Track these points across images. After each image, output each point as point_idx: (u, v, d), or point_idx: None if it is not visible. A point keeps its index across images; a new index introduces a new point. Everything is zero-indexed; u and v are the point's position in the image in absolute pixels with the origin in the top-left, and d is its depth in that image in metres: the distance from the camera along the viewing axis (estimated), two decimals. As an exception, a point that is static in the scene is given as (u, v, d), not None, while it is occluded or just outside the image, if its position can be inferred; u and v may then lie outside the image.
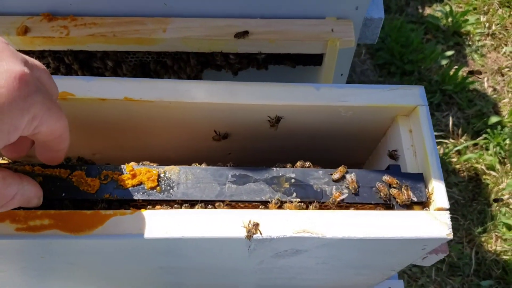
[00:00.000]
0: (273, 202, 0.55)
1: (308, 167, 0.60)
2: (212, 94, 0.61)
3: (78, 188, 0.54)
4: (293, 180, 0.58)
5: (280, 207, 0.56)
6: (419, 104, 0.64)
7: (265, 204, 0.57)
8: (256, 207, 0.57)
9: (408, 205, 0.58)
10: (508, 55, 2.22)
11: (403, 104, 0.63)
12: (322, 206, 0.58)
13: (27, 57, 0.44)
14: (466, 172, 1.93)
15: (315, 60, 0.83)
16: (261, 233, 0.53)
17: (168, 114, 0.64)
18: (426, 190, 0.59)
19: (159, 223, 0.52)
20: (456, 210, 1.85)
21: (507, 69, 2.18)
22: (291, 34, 0.78)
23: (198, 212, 0.53)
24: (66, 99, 0.60)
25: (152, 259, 0.61)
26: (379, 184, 0.58)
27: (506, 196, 1.87)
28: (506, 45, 2.25)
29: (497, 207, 1.84)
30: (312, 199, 0.57)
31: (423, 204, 0.59)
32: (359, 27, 0.85)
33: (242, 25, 0.79)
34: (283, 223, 0.53)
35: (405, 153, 0.64)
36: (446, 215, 0.55)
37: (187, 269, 0.69)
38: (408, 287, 1.71)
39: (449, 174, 1.91)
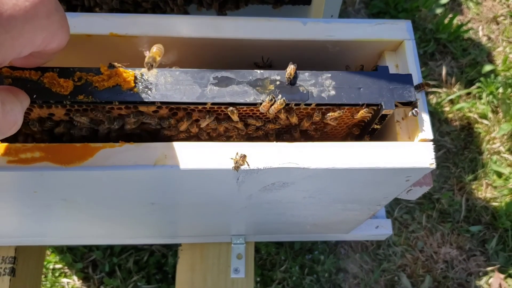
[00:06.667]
0: (267, 100, 0.54)
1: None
2: (197, 29, 0.60)
3: (50, 90, 0.51)
4: (278, 82, 0.55)
5: (272, 106, 0.54)
6: (406, 39, 0.64)
7: (253, 105, 0.55)
8: (243, 109, 0.56)
9: (396, 105, 0.57)
10: (504, 3, 2.19)
11: (389, 38, 0.64)
12: (309, 109, 0.57)
13: None
14: (458, 121, 1.94)
15: (304, -2, 0.82)
16: (248, 164, 0.54)
17: (155, 51, 0.64)
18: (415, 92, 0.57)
19: (147, 155, 0.53)
20: (447, 158, 1.87)
21: (502, 18, 2.15)
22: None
23: (187, 145, 0.54)
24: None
25: (143, 194, 0.63)
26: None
27: (497, 144, 1.89)
28: (502, -8, 2.21)
29: (489, 156, 1.87)
30: (298, 101, 0.55)
31: (412, 104, 0.57)
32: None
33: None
34: (270, 155, 0.54)
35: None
36: (429, 146, 0.57)
37: (178, 206, 0.71)
38: (399, 233, 1.76)
39: (441, 123, 1.92)
